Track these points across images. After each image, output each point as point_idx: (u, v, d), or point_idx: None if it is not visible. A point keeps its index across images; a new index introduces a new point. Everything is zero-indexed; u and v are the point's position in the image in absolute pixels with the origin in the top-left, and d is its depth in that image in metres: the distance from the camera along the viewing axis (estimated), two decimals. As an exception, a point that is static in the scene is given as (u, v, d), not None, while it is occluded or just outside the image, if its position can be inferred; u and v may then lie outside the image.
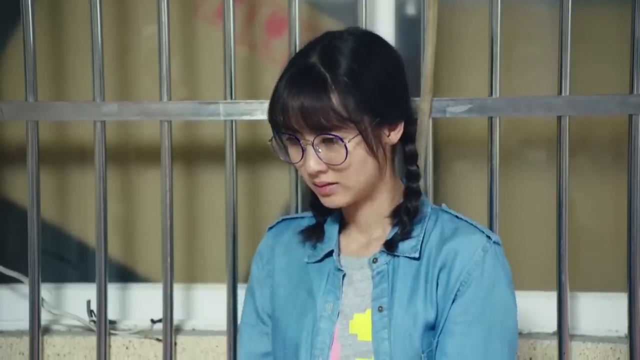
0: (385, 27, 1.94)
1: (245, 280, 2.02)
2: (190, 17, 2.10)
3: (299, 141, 1.32)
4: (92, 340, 1.96)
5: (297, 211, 1.87)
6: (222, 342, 1.92)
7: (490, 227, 1.83)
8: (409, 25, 2.01)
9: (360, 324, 1.37)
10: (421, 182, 1.80)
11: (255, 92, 2.07)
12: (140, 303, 2.06)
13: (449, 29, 1.99)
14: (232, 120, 1.89)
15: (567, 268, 1.83)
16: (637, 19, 1.79)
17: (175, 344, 1.95)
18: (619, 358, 1.87)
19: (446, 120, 1.91)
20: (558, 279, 1.83)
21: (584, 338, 1.90)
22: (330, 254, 1.42)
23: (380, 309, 1.36)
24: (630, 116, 1.81)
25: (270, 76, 2.09)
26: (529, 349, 1.89)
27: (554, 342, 1.86)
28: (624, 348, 1.85)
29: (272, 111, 1.34)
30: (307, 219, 1.49)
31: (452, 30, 2.01)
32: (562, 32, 1.81)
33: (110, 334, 1.96)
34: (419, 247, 1.38)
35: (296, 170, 1.85)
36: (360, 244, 1.43)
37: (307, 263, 1.43)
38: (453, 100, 1.84)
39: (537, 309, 1.93)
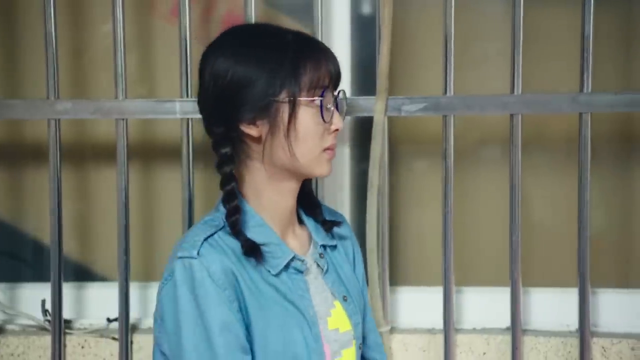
0: (340, 26, 1.97)
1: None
2: (146, 15, 2.09)
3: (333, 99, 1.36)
4: (47, 339, 1.94)
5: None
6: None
7: (445, 224, 1.86)
8: (364, 24, 2.02)
9: (337, 318, 1.40)
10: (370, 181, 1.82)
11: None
12: (96, 302, 2.05)
13: (405, 28, 2.01)
14: (188, 118, 1.89)
15: (519, 264, 1.86)
16: (587, 18, 1.83)
17: (132, 342, 1.94)
18: (569, 352, 1.90)
19: (403, 118, 1.93)
20: (511, 274, 1.86)
21: (536, 333, 1.93)
22: (292, 260, 1.37)
23: (345, 299, 1.42)
24: (580, 114, 1.84)
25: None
26: (483, 344, 1.92)
27: (508, 337, 1.89)
28: (575, 342, 1.89)
29: (321, 72, 1.34)
30: (223, 231, 1.34)
31: (408, 29, 2.03)
32: (514, 31, 1.84)
33: (65, 333, 1.95)
34: (328, 234, 1.47)
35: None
36: (296, 243, 1.42)
37: (272, 275, 1.35)
38: (408, 99, 1.86)
39: (490, 304, 1.96)
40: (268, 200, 1.37)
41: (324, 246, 1.44)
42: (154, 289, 2.04)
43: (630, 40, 2.01)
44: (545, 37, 2.00)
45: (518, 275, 1.86)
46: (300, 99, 1.32)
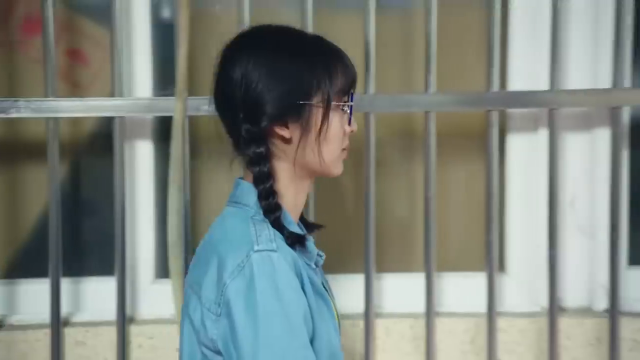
0: (141, 30, 1.97)
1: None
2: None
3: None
4: None
5: (57, 209, 1.87)
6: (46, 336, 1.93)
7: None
8: (166, 28, 2.02)
9: (336, 314, 1.44)
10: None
11: (12, 90, 2.02)
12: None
13: (207, 30, 1.99)
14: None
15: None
16: (367, 26, 1.90)
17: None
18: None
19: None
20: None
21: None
22: (319, 255, 1.42)
23: (332, 294, 1.47)
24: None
25: (29, 75, 2.02)
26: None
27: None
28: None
29: (348, 77, 1.37)
30: (274, 229, 1.34)
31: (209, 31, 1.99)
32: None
33: None
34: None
35: (55, 169, 1.85)
36: None
37: (312, 269, 1.39)
38: (208, 98, 1.78)
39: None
40: (288, 199, 1.39)
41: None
42: (20, 285, 2.03)
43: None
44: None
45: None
46: (333, 102, 1.34)
